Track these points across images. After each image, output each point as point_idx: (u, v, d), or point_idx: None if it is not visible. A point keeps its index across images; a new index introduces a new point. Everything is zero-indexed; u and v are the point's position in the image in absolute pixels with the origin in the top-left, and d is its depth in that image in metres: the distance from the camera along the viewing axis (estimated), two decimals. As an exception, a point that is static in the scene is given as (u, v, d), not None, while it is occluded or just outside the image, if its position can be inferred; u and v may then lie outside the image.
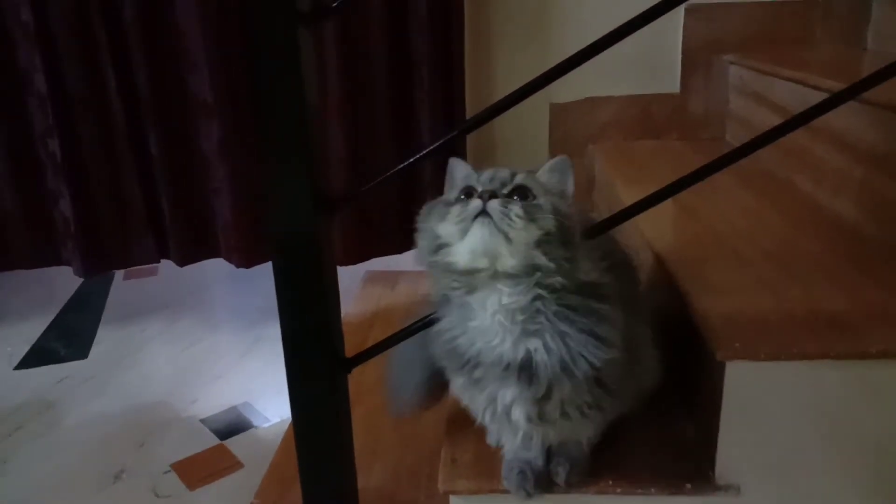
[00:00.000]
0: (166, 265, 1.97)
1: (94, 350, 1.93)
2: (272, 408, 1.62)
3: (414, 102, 1.74)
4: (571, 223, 0.67)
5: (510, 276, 0.66)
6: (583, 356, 0.67)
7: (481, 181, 0.69)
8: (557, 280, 0.66)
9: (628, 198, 1.48)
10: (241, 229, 1.81)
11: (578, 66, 0.77)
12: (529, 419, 0.71)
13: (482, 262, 0.66)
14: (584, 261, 0.69)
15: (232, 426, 1.57)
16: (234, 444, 1.51)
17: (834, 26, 1.64)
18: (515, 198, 0.66)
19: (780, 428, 0.79)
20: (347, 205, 0.92)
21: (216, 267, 1.97)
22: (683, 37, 1.70)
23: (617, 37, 0.75)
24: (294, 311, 0.88)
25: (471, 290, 0.68)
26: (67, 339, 2.01)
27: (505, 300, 0.67)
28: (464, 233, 0.65)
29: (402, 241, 1.85)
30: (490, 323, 0.68)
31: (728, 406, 0.79)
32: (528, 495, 0.81)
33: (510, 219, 0.64)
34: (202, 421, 1.59)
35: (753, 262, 0.99)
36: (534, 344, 0.68)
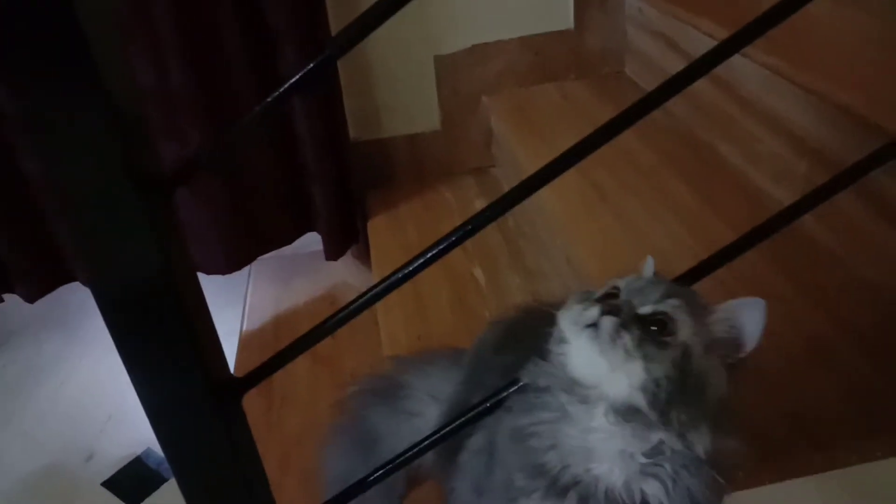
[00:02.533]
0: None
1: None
2: (182, 454, 1.45)
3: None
4: (705, 383, 0.55)
5: (622, 412, 0.54)
6: None
7: (628, 286, 0.58)
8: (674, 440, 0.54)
9: (527, 161, 1.36)
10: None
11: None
12: None
13: (586, 379, 0.56)
14: (705, 430, 0.55)
15: (141, 484, 1.40)
16: (152, 508, 1.35)
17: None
18: (653, 328, 0.54)
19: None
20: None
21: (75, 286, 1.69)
22: (572, -33, 1.50)
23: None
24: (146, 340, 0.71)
25: (583, 400, 0.56)
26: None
27: (619, 440, 0.55)
28: (576, 337, 0.56)
29: (290, 230, 1.64)
30: (597, 448, 0.56)
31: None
32: None
33: (615, 345, 0.53)
34: (105, 484, 1.41)
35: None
36: (652, 488, 0.56)
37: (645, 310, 0.55)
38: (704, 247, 0.97)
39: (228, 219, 1.55)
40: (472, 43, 1.54)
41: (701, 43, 1.23)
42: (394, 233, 1.53)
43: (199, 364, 0.61)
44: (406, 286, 1.38)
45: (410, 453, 0.71)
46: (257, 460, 0.71)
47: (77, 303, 1.95)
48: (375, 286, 0.62)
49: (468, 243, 1.46)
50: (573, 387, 0.56)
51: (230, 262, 1.58)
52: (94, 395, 1.62)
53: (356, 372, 1.30)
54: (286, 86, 0.55)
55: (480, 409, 0.66)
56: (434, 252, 0.60)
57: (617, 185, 1.19)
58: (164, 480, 1.41)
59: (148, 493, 1.38)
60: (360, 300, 0.63)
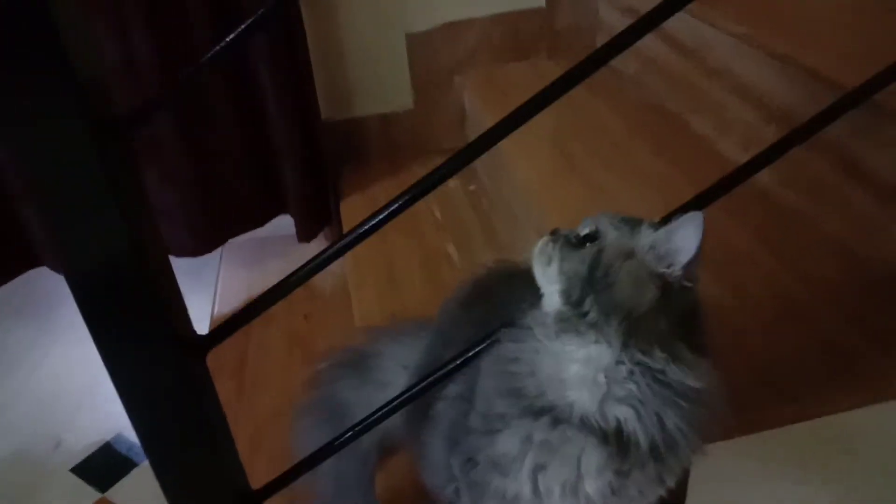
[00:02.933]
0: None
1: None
2: (153, 438, 1.43)
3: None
4: (612, 278, 0.56)
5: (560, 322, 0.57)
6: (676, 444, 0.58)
7: (589, 220, 0.61)
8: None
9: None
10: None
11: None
12: (604, 495, 0.60)
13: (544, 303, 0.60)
14: (654, 348, 0.56)
15: (109, 470, 1.38)
16: (119, 493, 1.33)
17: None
18: (587, 244, 0.58)
19: (750, 492, 0.74)
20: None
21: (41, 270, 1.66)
22: (544, -60, 1.50)
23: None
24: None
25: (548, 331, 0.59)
26: None
27: (583, 362, 0.57)
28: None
29: (262, 211, 1.62)
30: (569, 374, 0.58)
31: (695, 484, 0.72)
32: None
33: (545, 256, 0.59)
34: (74, 470, 1.38)
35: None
36: (623, 412, 0.57)
37: (584, 231, 0.59)
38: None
39: (197, 200, 1.52)
40: (445, 21, 1.53)
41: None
42: (367, 213, 1.51)
43: (164, 321, 0.60)
44: (379, 262, 1.37)
45: (380, 413, 0.70)
46: (223, 418, 0.70)
47: (46, 290, 1.91)
48: (344, 237, 0.61)
49: (443, 220, 1.46)
50: (545, 319, 0.58)
51: (199, 245, 1.56)
52: (64, 383, 1.59)
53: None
54: (245, 24, 0.55)
55: (455, 363, 0.65)
56: (402, 202, 0.60)
57: (588, 154, 1.19)
58: (134, 465, 1.38)
59: (118, 478, 1.36)
60: (330, 251, 0.62)
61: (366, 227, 0.61)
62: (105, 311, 0.57)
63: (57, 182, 0.51)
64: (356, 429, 0.71)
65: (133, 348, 0.60)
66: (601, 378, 0.57)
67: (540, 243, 0.60)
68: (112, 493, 1.33)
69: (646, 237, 0.57)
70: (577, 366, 0.57)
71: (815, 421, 0.70)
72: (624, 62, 1.48)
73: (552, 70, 1.56)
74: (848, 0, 1.07)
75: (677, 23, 1.26)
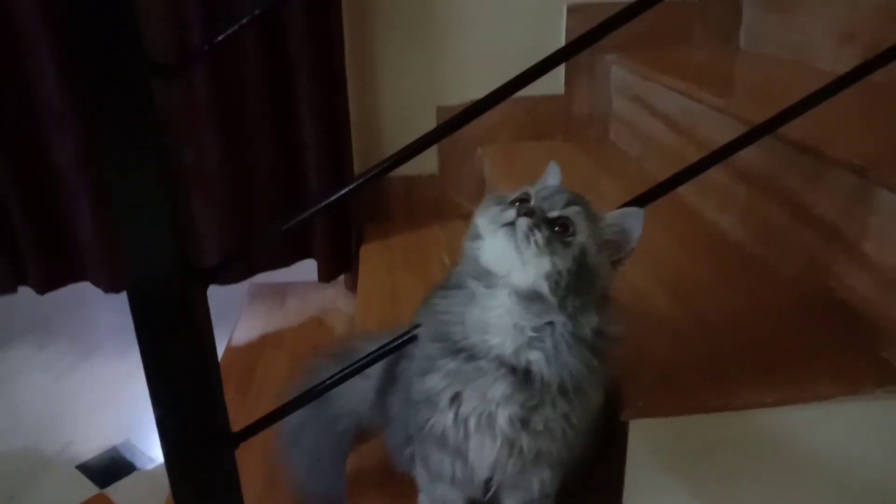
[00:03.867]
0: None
1: (-54, 390, 1.74)
2: (156, 446, 1.51)
3: (294, 103, 1.64)
4: (597, 276, 0.66)
5: (525, 296, 0.65)
6: (582, 385, 0.67)
7: (538, 194, 0.68)
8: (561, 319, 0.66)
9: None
10: (106, 250, 1.65)
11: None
12: (513, 423, 0.68)
13: (498, 269, 0.66)
14: (593, 314, 0.67)
15: (112, 470, 1.46)
16: (117, 492, 1.40)
17: (710, 26, 1.67)
18: (557, 229, 0.65)
19: (684, 477, 0.80)
20: (221, 272, 0.83)
21: (85, 285, 1.81)
22: (566, 37, 1.68)
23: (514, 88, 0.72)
24: (168, 393, 0.79)
25: (489, 285, 0.67)
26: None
27: (515, 317, 0.66)
28: (491, 234, 0.66)
29: (289, 254, 1.76)
30: (494, 323, 0.67)
31: (633, 461, 0.79)
32: None
33: (528, 242, 0.64)
34: (79, 467, 1.47)
35: (649, 296, 0.99)
36: (535, 356, 0.67)
37: (552, 214, 0.66)
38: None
39: (233, 235, 1.67)
40: (472, 98, 1.69)
41: (669, 100, 1.38)
42: (383, 259, 1.64)
43: (211, 419, 0.80)
44: (386, 302, 1.47)
45: (340, 375, 0.80)
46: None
47: (82, 313, 2.07)
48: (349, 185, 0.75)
49: (450, 266, 1.57)
50: (482, 275, 0.67)
51: (230, 275, 1.69)
52: (84, 394, 1.70)
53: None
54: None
55: (403, 339, 0.77)
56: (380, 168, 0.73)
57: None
58: (133, 470, 1.46)
59: (117, 478, 1.43)
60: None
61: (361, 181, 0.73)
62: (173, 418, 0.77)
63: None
64: (319, 386, 0.81)
65: (187, 442, 0.80)
66: (529, 332, 0.66)
67: (522, 225, 0.64)
68: (110, 490, 1.40)
69: (608, 229, 0.68)
70: (507, 318, 0.66)
71: (741, 412, 0.77)
72: (629, 144, 1.63)
73: (565, 150, 1.70)
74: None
75: (662, 97, 1.41)
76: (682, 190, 1.31)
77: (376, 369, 1.00)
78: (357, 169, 1.73)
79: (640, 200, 0.75)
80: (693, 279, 1.02)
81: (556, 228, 0.65)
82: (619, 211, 0.69)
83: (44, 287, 1.71)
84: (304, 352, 1.53)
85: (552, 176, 0.74)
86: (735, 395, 0.77)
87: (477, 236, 0.68)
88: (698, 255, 1.09)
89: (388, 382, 0.88)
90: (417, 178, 1.78)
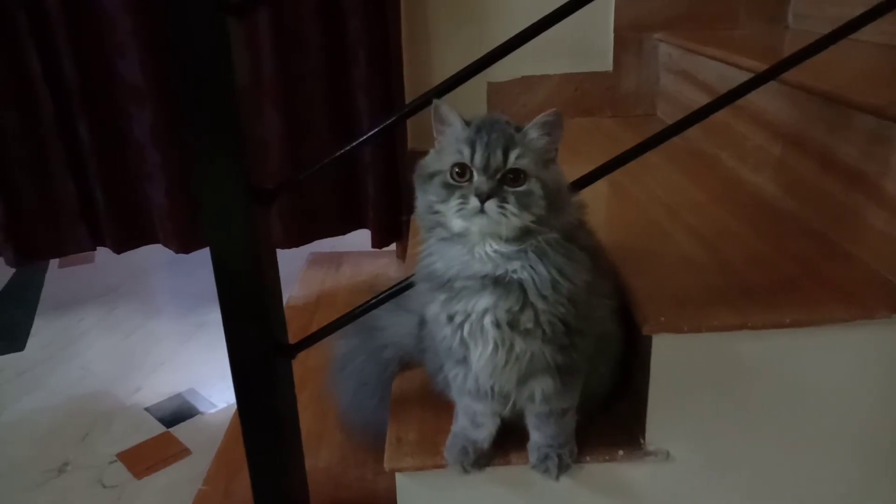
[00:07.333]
0: (103, 252, 1.94)
1: (31, 342, 1.89)
2: (217, 393, 1.62)
3: (351, 87, 1.74)
4: (559, 187, 0.72)
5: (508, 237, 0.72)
6: (555, 281, 0.73)
7: (476, 164, 0.70)
8: (548, 236, 0.72)
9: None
10: (178, 215, 1.78)
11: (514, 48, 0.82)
12: (499, 325, 0.74)
13: (483, 237, 0.72)
14: (569, 209, 0.74)
15: (177, 413, 1.57)
16: (181, 432, 1.50)
17: (756, 6, 1.70)
18: (506, 188, 0.69)
19: (703, 395, 0.84)
20: (282, 194, 0.93)
21: (154, 252, 1.95)
22: (615, 16, 1.74)
23: (550, 21, 0.79)
24: (234, 303, 0.89)
25: (466, 242, 0.73)
26: (2, 331, 1.96)
27: (492, 251, 0.72)
28: (467, 222, 0.71)
29: (344, 223, 1.85)
30: (477, 257, 0.73)
31: (655, 376, 0.84)
32: (465, 471, 0.85)
33: (505, 215, 0.69)
34: (147, 409, 1.58)
35: (678, 238, 1.04)
36: (513, 266, 0.73)
37: (502, 173, 0.70)
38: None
39: (294, 204, 1.78)
40: (522, 74, 1.77)
41: (712, 70, 1.42)
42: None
43: (270, 331, 0.92)
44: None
45: (373, 301, 0.94)
46: (295, 410, 1.01)
47: (150, 277, 2.23)
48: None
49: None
50: (459, 237, 0.73)
51: (290, 240, 1.80)
52: (152, 347, 1.83)
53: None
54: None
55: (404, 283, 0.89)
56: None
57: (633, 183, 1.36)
58: (197, 414, 1.57)
59: (182, 420, 1.54)
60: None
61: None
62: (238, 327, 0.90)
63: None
64: (358, 309, 0.94)
65: (249, 349, 0.92)
66: (510, 255, 0.72)
67: (492, 209, 0.69)
68: (175, 430, 1.51)
69: (538, 140, 0.72)
70: (488, 248, 0.72)
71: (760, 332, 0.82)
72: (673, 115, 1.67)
73: (613, 127, 1.75)
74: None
75: (709, 71, 1.44)
76: (723, 155, 1.37)
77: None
78: (410, 141, 1.82)
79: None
80: (725, 229, 1.06)
81: (510, 176, 0.70)
82: (538, 119, 0.72)
83: (119, 247, 1.84)
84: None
85: (453, 117, 0.76)
86: (753, 315, 0.81)
87: (437, 211, 0.72)
88: (733, 210, 1.13)
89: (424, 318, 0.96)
90: (467, 153, 1.85)
